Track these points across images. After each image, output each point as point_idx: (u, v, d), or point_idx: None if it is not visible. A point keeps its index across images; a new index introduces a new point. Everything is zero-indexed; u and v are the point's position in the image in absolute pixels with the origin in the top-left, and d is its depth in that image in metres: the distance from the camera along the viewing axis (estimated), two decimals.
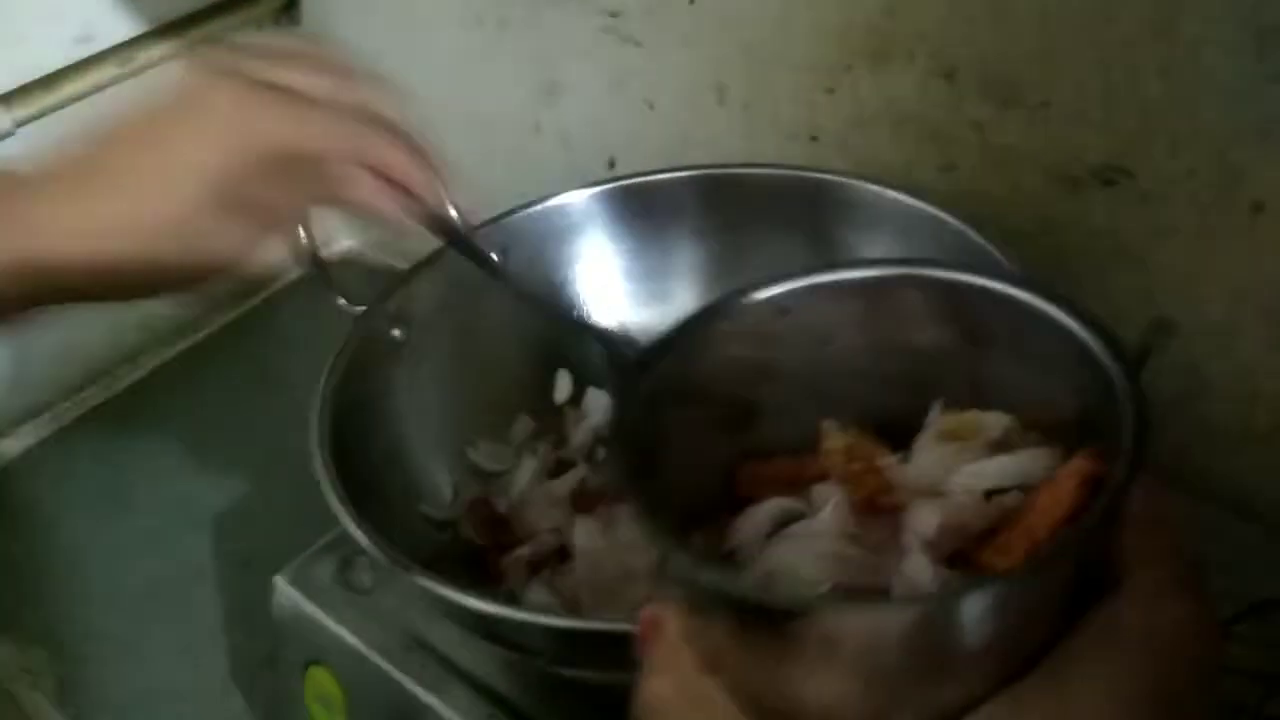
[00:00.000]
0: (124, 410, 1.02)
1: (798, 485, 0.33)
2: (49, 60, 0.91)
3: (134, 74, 0.95)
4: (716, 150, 0.78)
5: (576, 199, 0.70)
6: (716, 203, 0.70)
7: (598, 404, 0.69)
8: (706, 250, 0.71)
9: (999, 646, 0.25)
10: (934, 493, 0.31)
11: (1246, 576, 0.59)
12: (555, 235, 0.70)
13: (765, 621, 0.26)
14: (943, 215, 0.61)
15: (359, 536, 0.50)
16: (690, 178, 0.69)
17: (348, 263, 1.18)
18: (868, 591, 0.29)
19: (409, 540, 0.61)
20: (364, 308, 0.63)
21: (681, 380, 0.33)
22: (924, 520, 0.30)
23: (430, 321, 0.65)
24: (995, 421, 0.32)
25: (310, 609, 0.65)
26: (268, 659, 0.70)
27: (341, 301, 0.63)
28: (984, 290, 0.32)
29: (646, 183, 0.70)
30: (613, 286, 0.72)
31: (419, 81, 0.97)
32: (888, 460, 0.33)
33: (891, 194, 0.62)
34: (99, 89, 0.94)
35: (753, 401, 0.35)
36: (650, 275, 0.73)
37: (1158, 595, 0.24)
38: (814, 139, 0.73)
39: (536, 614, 0.52)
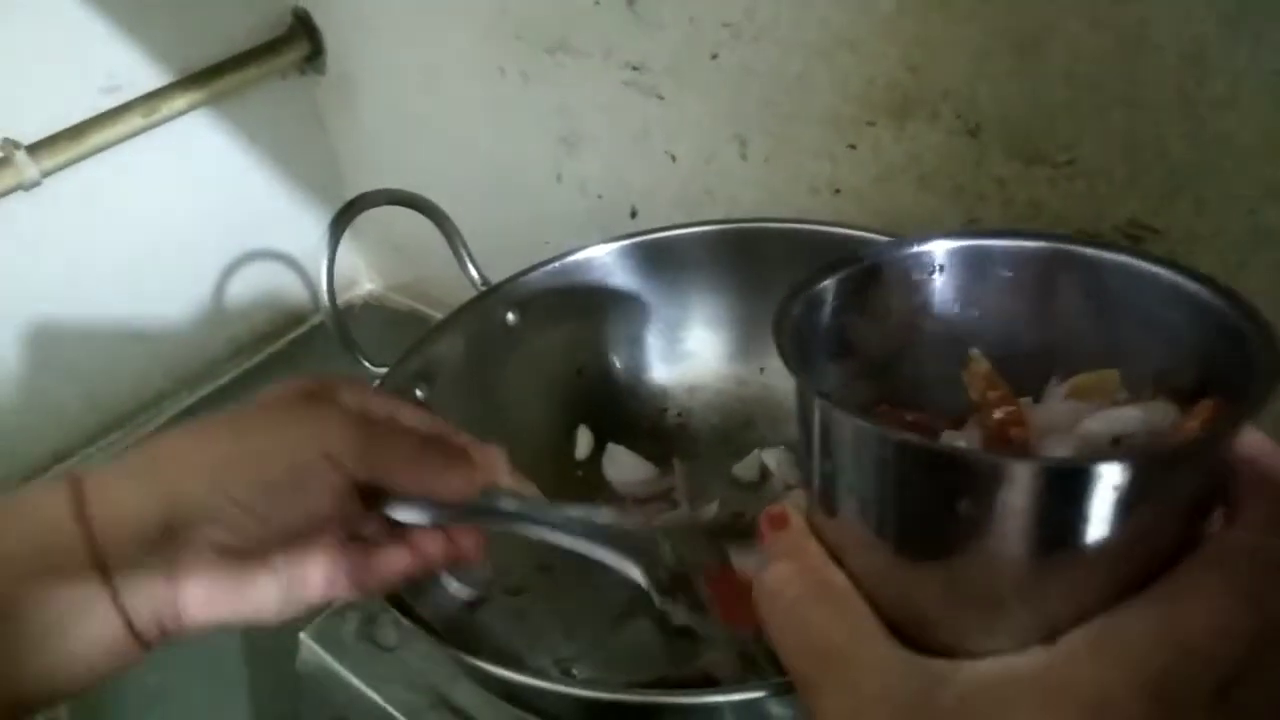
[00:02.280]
0: None
1: (926, 433, 0.33)
2: (75, 110, 0.92)
3: (159, 124, 0.96)
4: (738, 202, 0.79)
5: (598, 253, 0.70)
6: (738, 257, 0.70)
7: (619, 459, 0.69)
8: (727, 305, 0.71)
9: (1122, 545, 0.25)
10: (1063, 433, 0.31)
11: None
12: (577, 289, 0.70)
13: (893, 515, 0.27)
14: None
15: (391, 605, 0.50)
16: (711, 232, 0.69)
17: (369, 306, 1.19)
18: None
19: (433, 599, 0.61)
20: (386, 369, 0.63)
21: (837, 317, 0.34)
22: (1054, 453, 0.30)
23: (452, 380, 0.66)
24: (1123, 381, 0.33)
25: (335, 666, 0.65)
26: (291, 715, 0.70)
27: (365, 363, 0.63)
28: (1124, 267, 0.33)
29: (668, 237, 0.70)
30: (635, 339, 0.73)
31: (442, 130, 0.98)
32: (1023, 400, 0.33)
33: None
34: (125, 139, 0.95)
35: (897, 350, 0.36)
36: (671, 328, 0.73)
37: (1269, 525, 0.25)
38: (837, 192, 0.73)
39: (559, 684, 0.52)
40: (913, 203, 0.69)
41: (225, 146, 1.04)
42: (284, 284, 1.13)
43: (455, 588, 0.62)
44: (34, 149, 0.89)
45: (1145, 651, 0.24)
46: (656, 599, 0.46)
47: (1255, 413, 0.26)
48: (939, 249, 0.35)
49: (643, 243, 0.70)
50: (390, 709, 0.62)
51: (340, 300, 0.65)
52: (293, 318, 1.15)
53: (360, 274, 1.21)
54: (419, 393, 0.64)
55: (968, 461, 0.27)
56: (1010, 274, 0.35)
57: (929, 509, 0.27)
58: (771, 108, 0.72)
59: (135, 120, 0.95)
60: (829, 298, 0.34)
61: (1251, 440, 0.27)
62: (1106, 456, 0.27)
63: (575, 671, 0.60)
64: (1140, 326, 0.33)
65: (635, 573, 0.47)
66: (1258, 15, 0.52)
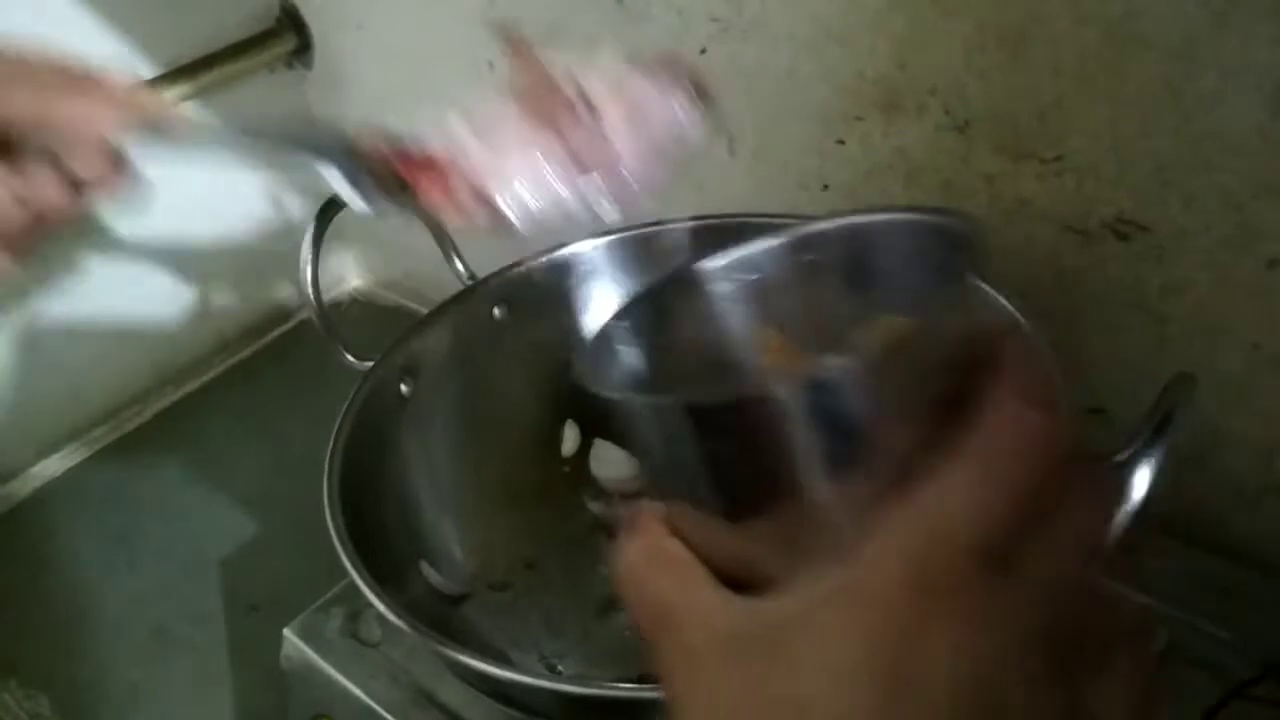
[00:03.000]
0: (132, 452, 1.02)
1: None
2: None
3: None
4: (727, 199, 0.78)
5: (585, 248, 0.70)
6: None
7: (605, 455, 0.69)
8: None
9: (880, 452, 0.28)
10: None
11: (1264, 634, 0.59)
12: (565, 284, 0.70)
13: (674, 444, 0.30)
14: None
15: (375, 600, 0.50)
16: (699, 227, 0.69)
17: (357, 303, 1.18)
18: None
19: (417, 594, 0.61)
20: (371, 363, 0.63)
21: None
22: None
23: (438, 375, 0.65)
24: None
25: (318, 662, 0.64)
26: (275, 710, 0.70)
27: (349, 357, 0.63)
28: (868, 228, 0.35)
29: (655, 232, 0.70)
30: None
31: (428, 126, 0.98)
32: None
33: None
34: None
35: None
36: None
37: (1016, 408, 0.27)
38: (825, 188, 0.73)
39: (545, 679, 0.52)
40: (901, 199, 0.69)
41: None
42: (270, 279, 1.12)
43: (439, 583, 0.62)
44: None
45: (911, 549, 0.26)
46: (356, 197, 0.47)
47: (958, 294, 0.30)
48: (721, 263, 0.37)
49: (630, 238, 0.70)
50: (374, 705, 0.62)
51: (328, 297, 0.65)
52: (279, 313, 1.15)
53: (348, 271, 1.20)
54: (404, 387, 0.64)
55: (705, 406, 0.30)
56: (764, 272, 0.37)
57: (692, 459, 0.30)
58: (760, 103, 0.72)
59: None
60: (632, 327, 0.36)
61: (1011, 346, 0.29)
62: (820, 370, 0.29)
63: (560, 667, 0.60)
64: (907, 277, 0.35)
65: (331, 172, 0.47)
66: (1246, 10, 0.52)
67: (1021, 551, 0.26)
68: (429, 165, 0.43)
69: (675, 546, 0.31)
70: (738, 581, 0.30)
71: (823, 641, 0.26)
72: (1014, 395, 0.28)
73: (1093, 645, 0.27)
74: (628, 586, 0.32)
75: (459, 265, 0.69)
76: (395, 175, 0.43)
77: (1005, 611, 0.26)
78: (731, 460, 0.30)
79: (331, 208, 0.62)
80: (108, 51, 0.93)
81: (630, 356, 0.36)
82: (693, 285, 0.37)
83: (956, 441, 0.27)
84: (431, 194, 0.43)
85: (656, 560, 0.31)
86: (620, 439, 0.36)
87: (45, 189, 0.49)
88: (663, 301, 0.37)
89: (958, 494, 0.26)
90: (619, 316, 0.36)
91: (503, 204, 0.43)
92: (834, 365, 0.28)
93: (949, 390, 0.28)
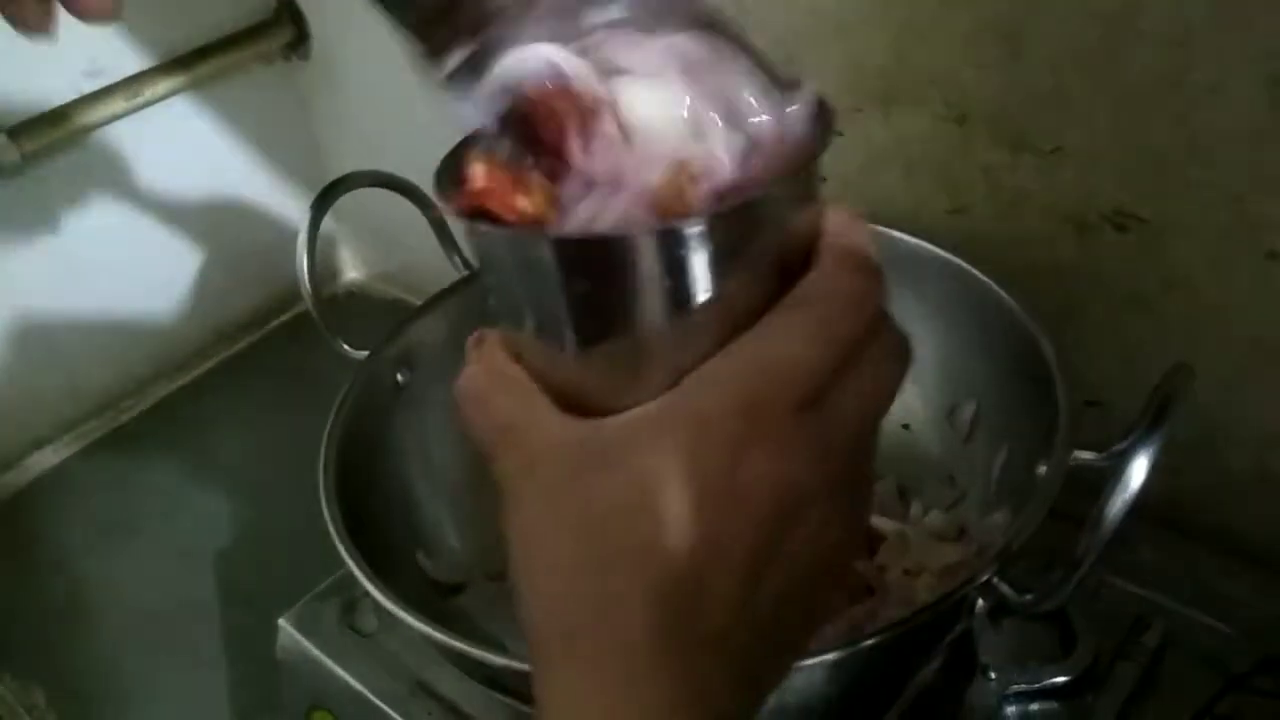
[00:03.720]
0: (128, 443, 1.02)
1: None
2: (57, 94, 0.91)
3: (142, 108, 0.95)
4: None
5: None
6: None
7: None
8: None
9: (715, 299, 0.30)
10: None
11: (1261, 627, 0.59)
12: None
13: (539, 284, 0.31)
14: (952, 258, 0.61)
15: (372, 589, 0.50)
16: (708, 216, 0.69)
17: (354, 296, 1.18)
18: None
19: (413, 584, 0.60)
20: (366, 353, 0.62)
21: None
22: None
23: (434, 364, 0.65)
24: None
25: (314, 652, 0.64)
26: (270, 702, 0.69)
27: (345, 347, 0.63)
28: None
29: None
30: None
31: (426, 116, 0.98)
32: None
33: (899, 236, 0.62)
34: (107, 122, 0.94)
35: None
36: None
37: (838, 271, 0.31)
38: (822, 180, 0.72)
39: None
40: (899, 190, 0.69)
41: (208, 132, 1.03)
42: (267, 270, 1.12)
43: (436, 572, 0.62)
44: (15, 132, 0.88)
45: (736, 380, 0.29)
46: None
47: (800, 170, 0.31)
48: None
49: None
50: (370, 696, 0.62)
51: (325, 290, 0.65)
52: (276, 305, 1.14)
53: (345, 263, 1.20)
54: (400, 376, 0.64)
55: (569, 241, 0.31)
56: None
57: (544, 291, 0.31)
58: None
59: (118, 104, 0.94)
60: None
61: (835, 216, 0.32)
62: (664, 224, 0.30)
63: None
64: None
65: None
66: (1246, 2, 0.52)
67: (830, 394, 0.30)
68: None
69: (518, 371, 0.33)
70: (576, 410, 0.31)
71: (651, 454, 0.29)
72: (841, 258, 0.31)
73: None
74: (469, 404, 0.33)
75: (455, 255, 0.69)
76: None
77: (811, 445, 0.29)
78: (581, 295, 0.30)
79: (328, 196, 0.62)
80: (105, 42, 0.93)
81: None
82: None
83: (788, 295, 0.30)
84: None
85: (499, 381, 0.33)
86: None
87: None
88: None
89: (787, 341, 0.29)
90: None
91: None
92: (693, 219, 0.29)
93: (785, 248, 0.31)
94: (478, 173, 0.33)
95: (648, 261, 0.29)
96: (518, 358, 0.33)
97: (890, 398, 0.32)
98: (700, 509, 0.28)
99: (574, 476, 0.30)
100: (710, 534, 0.28)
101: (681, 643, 0.29)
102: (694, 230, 0.29)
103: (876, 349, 0.31)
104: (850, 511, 0.32)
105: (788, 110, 0.35)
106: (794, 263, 0.31)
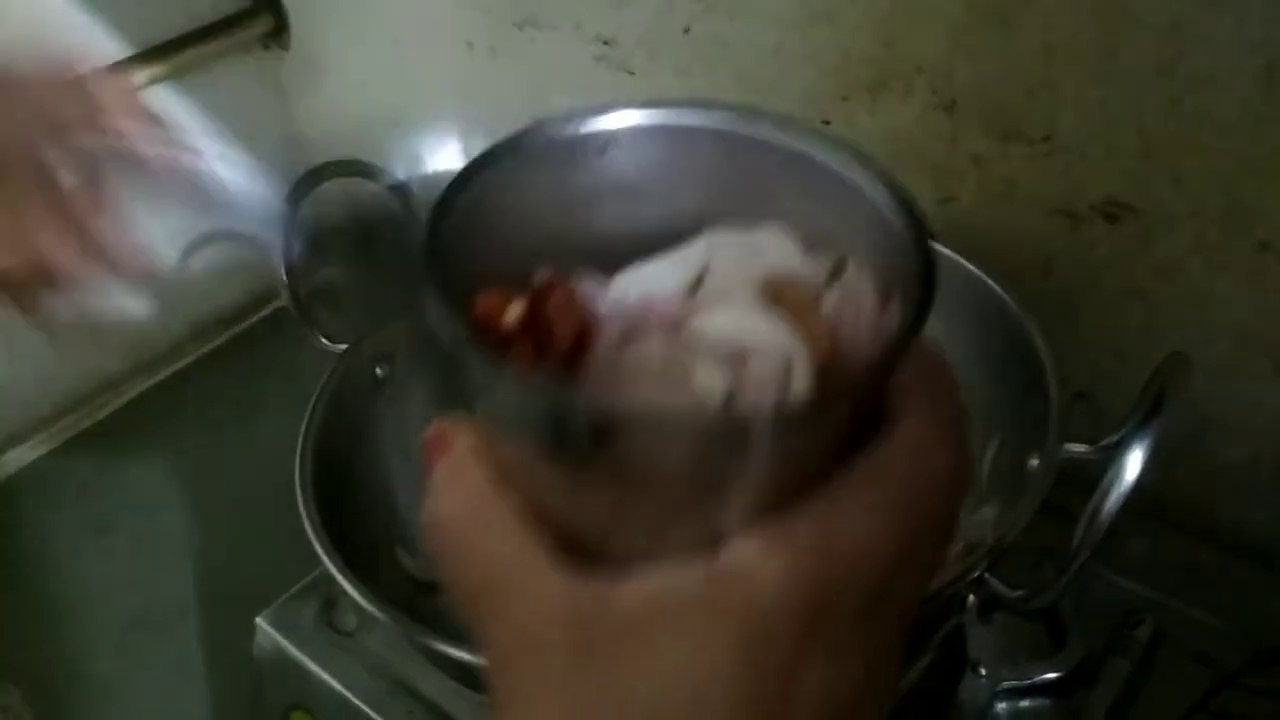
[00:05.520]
0: (104, 441, 1.00)
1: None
2: None
3: None
4: None
5: None
6: None
7: None
8: None
9: (780, 469, 0.25)
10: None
11: (1253, 622, 0.58)
12: None
13: (558, 439, 0.25)
14: (940, 249, 0.60)
15: (349, 588, 0.49)
16: None
17: (334, 290, 1.17)
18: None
19: (393, 581, 0.59)
20: (345, 346, 0.61)
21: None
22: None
23: (412, 358, 0.64)
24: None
25: (292, 652, 0.63)
26: (249, 702, 0.68)
27: (323, 341, 0.62)
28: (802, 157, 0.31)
29: None
30: None
31: (408, 108, 0.97)
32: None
33: None
34: None
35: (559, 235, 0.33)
36: None
37: (923, 441, 0.26)
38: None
39: None
40: None
41: (186, 122, 1.02)
42: (246, 265, 1.10)
43: (415, 569, 0.61)
44: None
45: (804, 561, 0.24)
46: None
47: (908, 341, 0.26)
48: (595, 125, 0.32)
49: None
50: (350, 696, 0.61)
51: (305, 285, 0.64)
52: (255, 300, 1.13)
53: (324, 256, 1.19)
54: (379, 370, 0.63)
55: (584, 405, 0.25)
56: (678, 153, 0.33)
57: (574, 443, 0.25)
58: (744, 83, 0.71)
59: None
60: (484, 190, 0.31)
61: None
62: (754, 414, 0.25)
63: None
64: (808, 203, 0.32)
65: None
66: None
67: (894, 583, 0.25)
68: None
69: (503, 508, 0.27)
70: (566, 545, 0.26)
71: (696, 644, 0.24)
72: (929, 426, 0.26)
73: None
74: (440, 545, 0.27)
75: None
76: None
77: (872, 642, 0.26)
78: (576, 438, 0.25)
79: (306, 183, 0.61)
80: (79, 31, 0.92)
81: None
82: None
83: (863, 462, 0.25)
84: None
85: (479, 518, 0.27)
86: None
87: (40, 233, 0.45)
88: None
89: (859, 526, 0.25)
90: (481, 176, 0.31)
91: None
92: (763, 406, 0.25)
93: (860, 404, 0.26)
94: (515, 309, 0.28)
95: (706, 450, 0.25)
96: (504, 470, 0.27)
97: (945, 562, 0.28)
98: (752, 714, 0.24)
99: (584, 659, 0.25)
100: None
101: None
102: (763, 430, 0.24)
103: (948, 521, 0.27)
104: (885, 689, 0.27)
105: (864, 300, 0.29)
106: (868, 403, 0.27)
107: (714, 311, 0.31)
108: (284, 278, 0.61)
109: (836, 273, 0.32)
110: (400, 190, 0.67)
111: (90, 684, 0.79)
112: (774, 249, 0.33)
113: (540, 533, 0.26)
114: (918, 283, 0.27)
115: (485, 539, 0.26)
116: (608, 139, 0.32)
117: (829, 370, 0.29)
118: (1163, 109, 0.56)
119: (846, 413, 0.26)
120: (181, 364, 1.08)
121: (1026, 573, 0.47)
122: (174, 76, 0.97)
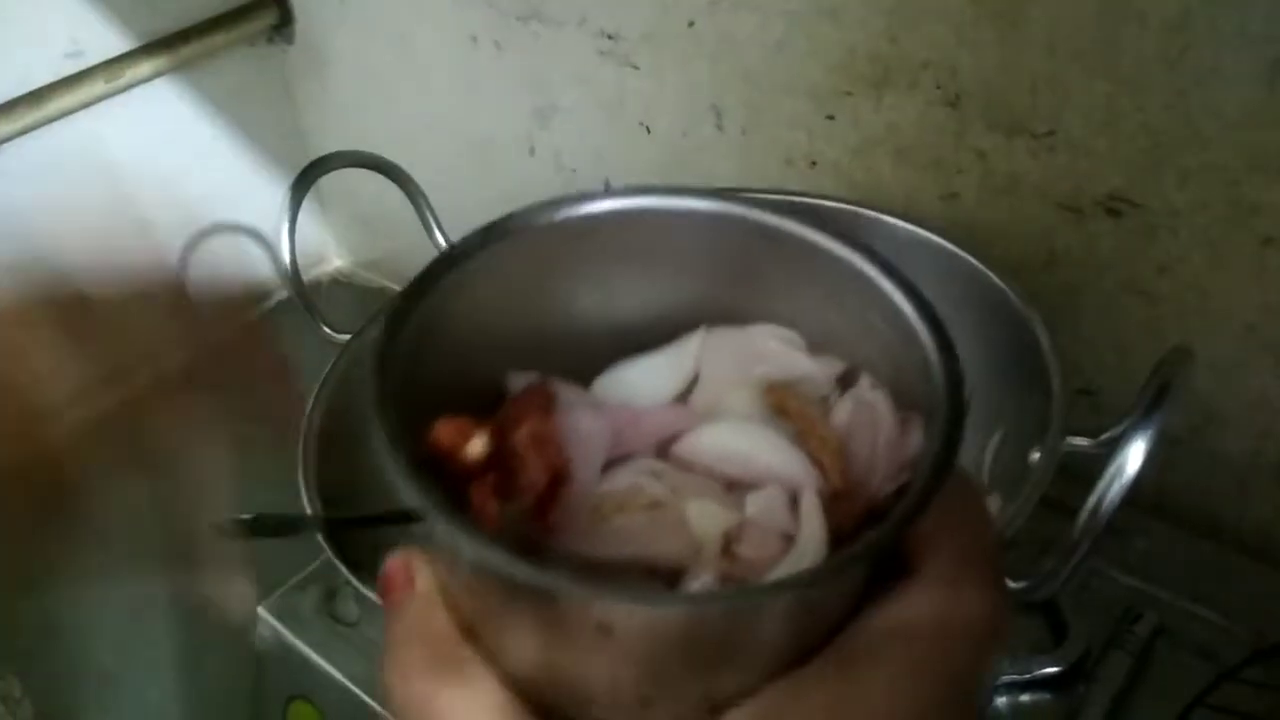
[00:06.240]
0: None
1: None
2: (36, 75, 0.89)
3: (123, 90, 0.94)
4: (713, 175, 0.77)
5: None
6: None
7: None
8: None
9: (785, 640, 0.23)
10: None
11: (1254, 618, 0.58)
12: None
13: (535, 595, 0.23)
14: (944, 243, 0.60)
15: (352, 578, 0.49)
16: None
17: (337, 283, 1.17)
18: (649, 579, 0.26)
19: None
20: (349, 336, 0.61)
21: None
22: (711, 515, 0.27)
23: None
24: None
25: (294, 642, 0.63)
26: (249, 693, 0.68)
27: (326, 330, 0.62)
28: (797, 238, 0.29)
29: (644, 207, 0.68)
30: None
31: (412, 102, 0.97)
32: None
33: (891, 220, 0.61)
34: (87, 105, 0.92)
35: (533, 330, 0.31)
36: None
37: (953, 587, 0.23)
38: (813, 164, 0.72)
39: None
40: (890, 176, 0.68)
41: (190, 115, 1.02)
42: (249, 258, 1.10)
43: None
44: None
45: None
46: None
47: (930, 497, 0.22)
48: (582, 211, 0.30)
49: (615, 211, 0.68)
50: (352, 687, 0.61)
51: (308, 277, 0.64)
52: (258, 293, 1.13)
53: (329, 250, 1.19)
54: None
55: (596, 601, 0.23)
56: (669, 240, 0.30)
57: (546, 614, 0.23)
58: (749, 78, 0.71)
59: (98, 86, 0.92)
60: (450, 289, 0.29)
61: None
62: (756, 593, 0.23)
63: None
64: (829, 310, 0.29)
65: None
66: None
67: None
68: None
69: (471, 665, 0.24)
70: (538, 701, 0.24)
71: None
72: (959, 566, 0.23)
73: None
74: (406, 707, 0.24)
75: (439, 238, 0.67)
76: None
77: None
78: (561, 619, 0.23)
79: (309, 175, 0.61)
80: (85, 23, 0.92)
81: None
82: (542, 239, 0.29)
83: (884, 614, 0.23)
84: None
85: (441, 670, 0.24)
86: None
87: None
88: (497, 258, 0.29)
89: (884, 678, 0.22)
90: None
91: None
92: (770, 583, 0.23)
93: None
94: (477, 444, 0.26)
95: (696, 632, 0.23)
96: (469, 628, 0.25)
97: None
98: None
99: None
100: None
101: None
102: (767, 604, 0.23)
103: (980, 678, 0.24)
104: None
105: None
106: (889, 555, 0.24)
107: (709, 425, 0.28)
108: (286, 265, 0.61)
109: (847, 381, 0.29)
110: (404, 182, 0.67)
111: (91, 673, 0.79)
112: (775, 349, 0.30)
113: (513, 703, 0.24)
114: (946, 402, 0.24)
115: (446, 691, 0.24)
116: (586, 227, 0.30)
117: (842, 501, 0.26)
118: (1167, 104, 0.56)
119: (864, 573, 0.23)
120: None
121: (1027, 567, 0.47)
122: (178, 69, 0.97)
